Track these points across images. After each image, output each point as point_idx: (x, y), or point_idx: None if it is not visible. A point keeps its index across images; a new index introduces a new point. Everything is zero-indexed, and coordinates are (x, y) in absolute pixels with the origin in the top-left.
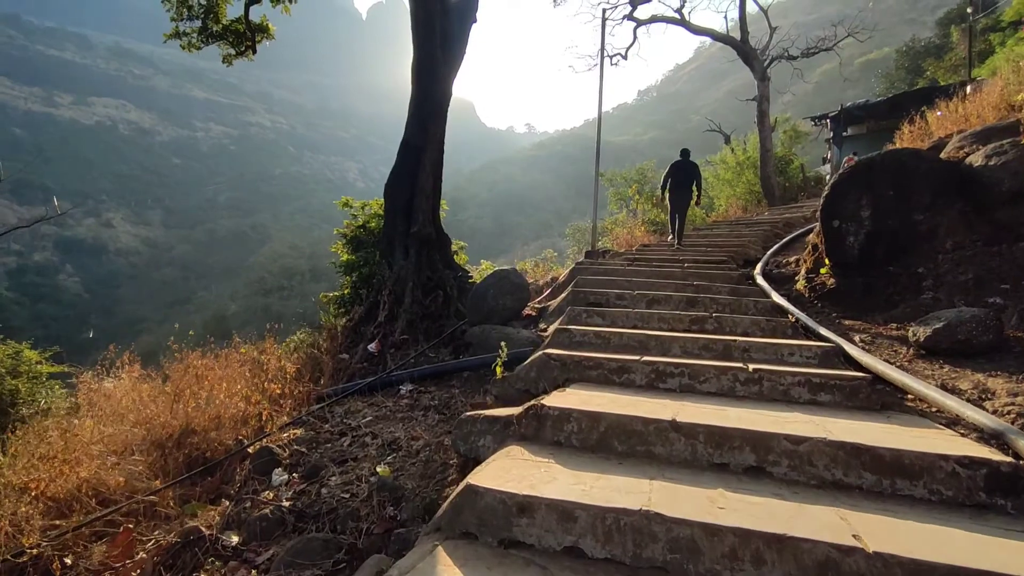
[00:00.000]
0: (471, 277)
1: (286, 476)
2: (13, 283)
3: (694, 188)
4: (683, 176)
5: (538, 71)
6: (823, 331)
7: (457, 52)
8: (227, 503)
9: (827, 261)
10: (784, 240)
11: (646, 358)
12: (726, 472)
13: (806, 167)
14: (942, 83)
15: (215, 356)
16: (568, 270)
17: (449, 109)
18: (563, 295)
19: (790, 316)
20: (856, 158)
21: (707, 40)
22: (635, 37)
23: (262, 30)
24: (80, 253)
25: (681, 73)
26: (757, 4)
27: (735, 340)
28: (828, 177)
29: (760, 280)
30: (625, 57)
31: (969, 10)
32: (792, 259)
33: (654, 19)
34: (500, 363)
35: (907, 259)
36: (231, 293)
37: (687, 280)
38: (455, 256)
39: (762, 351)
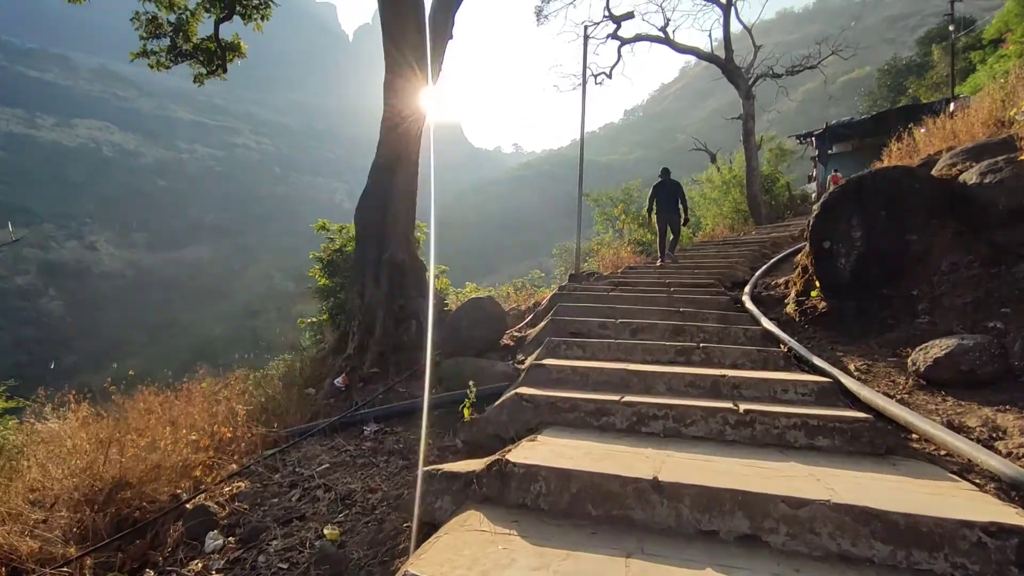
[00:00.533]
0: (447, 305)
1: (221, 540)
2: None
3: (680, 207)
4: (667, 196)
5: (525, 91)
6: (817, 362)
7: (433, 69)
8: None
9: (817, 284)
10: (772, 261)
11: (627, 398)
12: (716, 542)
13: (792, 185)
14: (924, 101)
15: (174, 392)
16: (550, 295)
17: (436, 129)
18: (543, 324)
19: (782, 346)
20: (839, 175)
21: (692, 59)
22: (619, 56)
23: (233, 49)
24: (63, 276)
25: (667, 92)
26: (741, 23)
27: (724, 375)
28: (813, 195)
29: (749, 304)
30: (610, 76)
31: (951, 27)
32: (781, 280)
33: (638, 38)
34: (468, 404)
35: (901, 282)
36: (216, 315)
37: (673, 306)
38: (437, 280)
39: (753, 388)
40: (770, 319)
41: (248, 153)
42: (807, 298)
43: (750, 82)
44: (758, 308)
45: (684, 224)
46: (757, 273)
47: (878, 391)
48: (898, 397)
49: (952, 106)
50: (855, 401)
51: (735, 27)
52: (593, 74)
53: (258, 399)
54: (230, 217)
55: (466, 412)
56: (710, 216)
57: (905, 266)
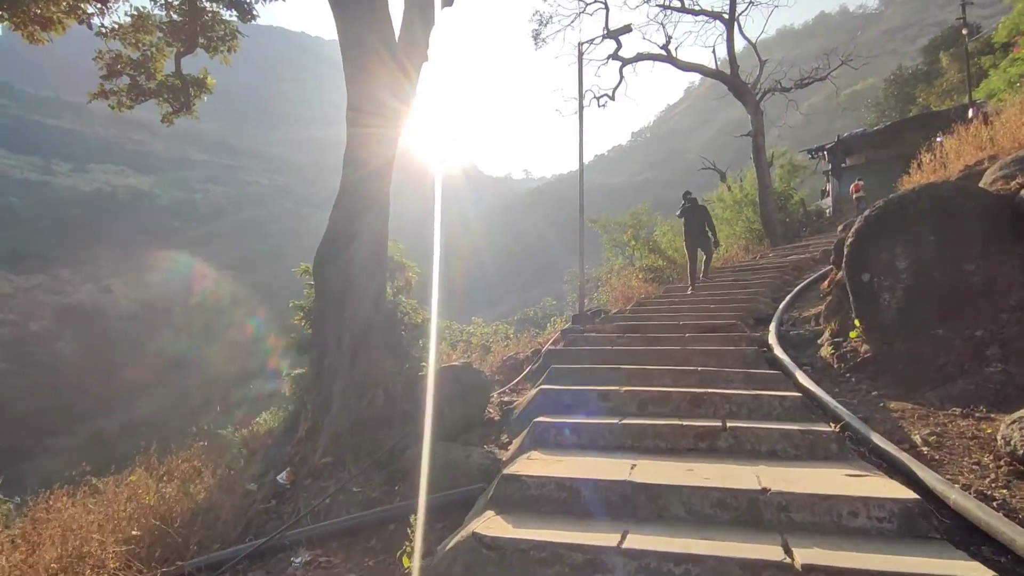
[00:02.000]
0: (423, 368)
1: None
2: (9, 353)
3: (707, 229)
4: (695, 222)
5: (533, 115)
6: (893, 451)
7: (404, 95)
8: None
9: (857, 323)
10: (796, 289)
11: (629, 540)
12: None
13: (806, 201)
14: (935, 108)
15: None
16: (551, 340)
17: (441, 158)
18: (533, 393)
19: (832, 424)
20: (862, 183)
21: (696, 79)
22: (621, 76)
23: (199, 84)
24: (78, 320)
25: (673, 113)
26: (745, 38)
27: (765, 487)
28: (828, 211)
29: (779, 353)
30: (612, 98)
31: (964, 31)
32: (811, 313)
33: (639, 57)
34: (407, 552)
35: (960, 320)
36: (229, 355)
37: (690, 361)
38: (426, 323)
39: (808, 509)
40: (801, 365)
41: (260, 190)
42: (845, 340)
43: (758, 97)
44: (788, 352)
45: (716, 246)
46: (781, 306)
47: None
48: (994, 498)
49: (971, 112)
50: (961, 520)
51: (739, 43)
52: (596, 96)
53: (187, 502)
54: (242, 254)
55: (405, 560)
56: (723, 237)
57: (963, 301)
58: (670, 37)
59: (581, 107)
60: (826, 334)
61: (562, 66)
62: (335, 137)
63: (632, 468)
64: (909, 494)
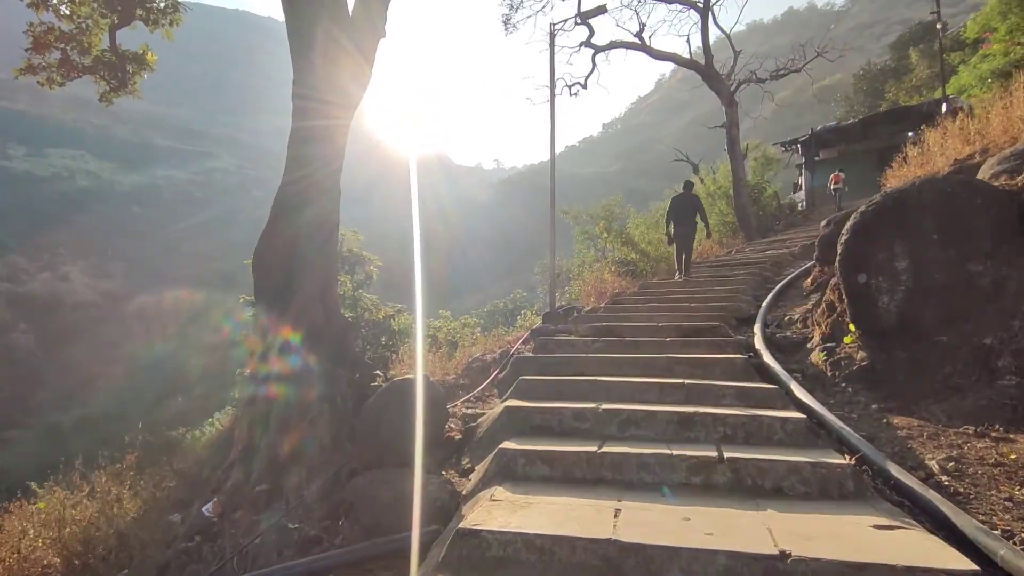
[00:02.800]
0: (377, 377)
1: None
2: None
3: (698, 220)
4: (684, 209)
5: (503, 104)
6: (916, 488)
7: (357, 75)
8: None
9: (852, 328)
10: (778, 287)
11: None
12: None
13: (780, 194)
14: (904, 104)
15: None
16: (515, 346)
17: (411, 146)
18: (499, 410)
19: (847, 455)
20: (842, 175)
21: (667, 72)
22: (594, 65)
23: (138, 61)
24: (35, 309)
25: (643, 105)
26: (719, 28)
27: (776, 538)
28: (802, 204)
29: (769, 360)
30: (585, 86)
31: (939, 25)
32: (796, 314)
33: (613, 45)
34: None
35: (966, 326)
36: (194, 345)
37: (674, 372)
38: (391, 321)
39: None
40: (792, 372)
41: (227, 177)
42: (838, 345)
43: (732, 88)
44: (776, 356)
45: (707, 237)
46: (764, 305)
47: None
48: None
49: (944, 107)
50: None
51: (712, 34)
52: (567, 84)
53: (107, 528)
54: (208, 242)
55: None
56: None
57: (970, 305)
58: (644, 25)
59: (552, 90)
60: (816, 338)
61: (533, 53)
62: None
63: (616, 517)
64: (965, 563)
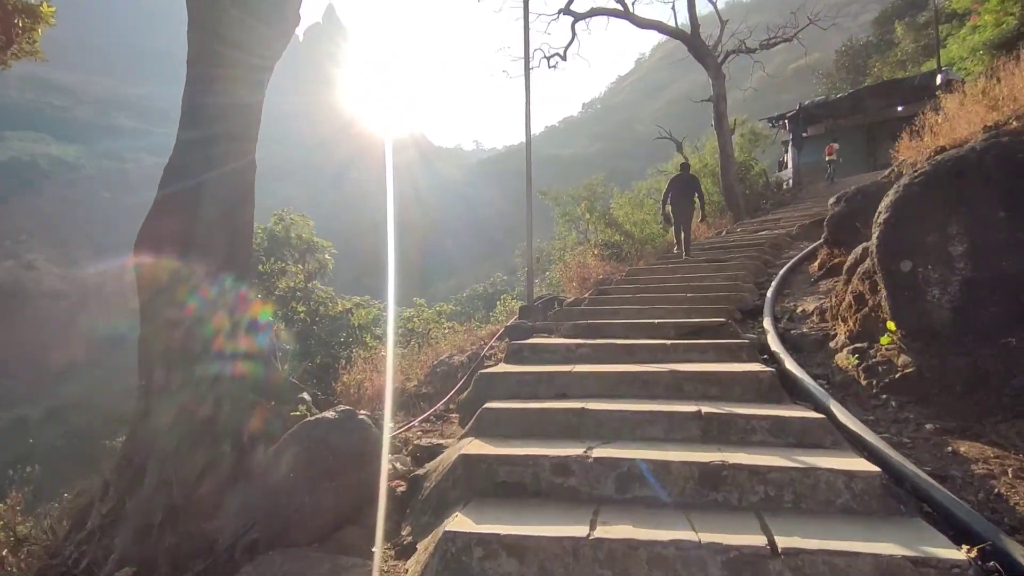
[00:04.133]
0: (302, 407)
1: None
2: None
3: (696, 200)
4: (682, 189)
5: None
6: None
7: (271, 29)
8: None
9: (892, 327)
10: (781, 272)
11: None
12: None
13: (767, 172)
14: (887, 79)
15: None
16: (485, 355)
17: (390, 125)
18: (453, 459)
19: (966, 547)
20: (836, 146)
21: (646, 51)
22: (574, 34)
23: (29, 13)
24: None
25: (623, 84)
26: None
27: None
28: (789, 182)
29: (793, 368)
30: (564, 58)
31: None
32: (809, 305)
33: (594, 12)
34: None
35: None
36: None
37: (683, 391)
38: (351, 315)
39: None
40: (815, 378)
41: None
42: (872, 346)
43: (719, 59)
44: (794, 357)
45: (702, 220)
46: (770, 294)
47: None
48: None
49: (939, 78)
50: None
51: (699, 6)
52: (545, 56)
53: None
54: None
55: None
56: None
57: None
58: None
59: (527, 56)
60: (841, 336)
61: (508, 22)
62: (280, 107)
63: None
64: None
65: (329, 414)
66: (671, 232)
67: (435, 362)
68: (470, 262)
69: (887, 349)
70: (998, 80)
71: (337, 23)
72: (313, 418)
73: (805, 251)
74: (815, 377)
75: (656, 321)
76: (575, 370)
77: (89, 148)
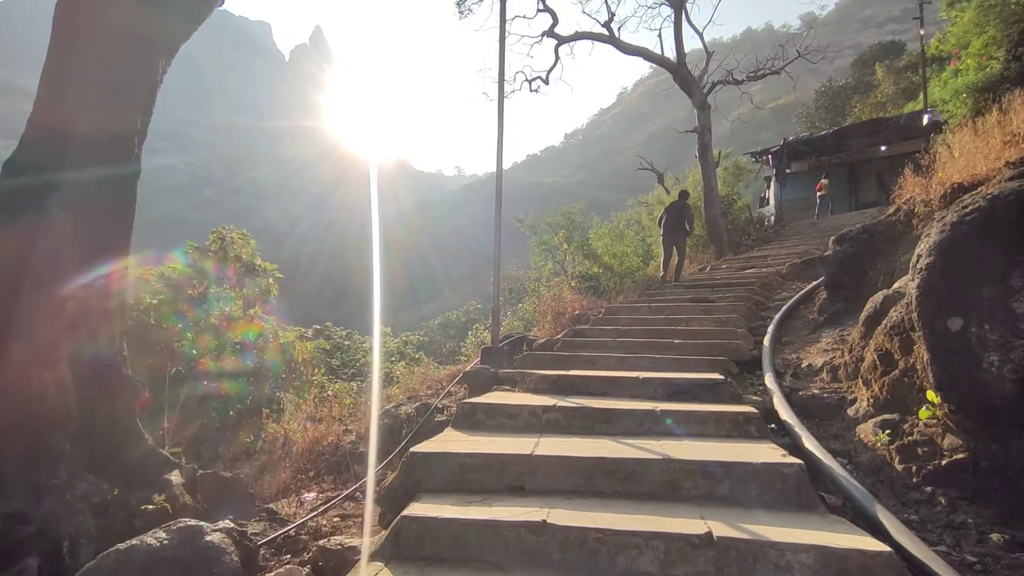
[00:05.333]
0: (166, 487)
1: None
2: None
3: (687, 226)
4: (675, 216)
5: (467, 112)
6: None
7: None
8: None
9: (935, 398)
10: (777, 317)
11: None
12: None
13: (750, 207)
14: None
15: None
16: (433, 411)
17: (372, 149)
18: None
19: None
20: (826, 182)
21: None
22: (557, 57)
23: None
24: None
25: (605, 117)
26: (692, 26)
27: None
28: (771, 219)
29: (815, 450)
30: (546, 81)
31: (922, 32)
32: (816, 358)
33: (578, 36)
34: None
35: None
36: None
37: (679, 489)
38: (292, 349)
39: None
40: (833, 454)
41: (174, 174)
42: (907, 419)
43: (705, 90)
44: (802, 422)
45: (683, 243)
46: (767, 343)
47: None
48: None
49: (926, 118)
50: None
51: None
52: (528, 79)
53: None
54: (151, 241)
55: None
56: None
57: None
58: (613, 15)
59: (502, 70)
60: (862, 402)
61: (490, 42)
62: (264, 125)
63: None
64: None
65: (151, 539)
66: (652, 266)
67: (380, 411)
68: (450, 286)
69: (927, 425)
70: (1008, 115)
71: (324, 46)
72: (125, 546)
73: (801, 293)
74: (833, 453)
75: (641, 376)
76: (537, 453)
77: None
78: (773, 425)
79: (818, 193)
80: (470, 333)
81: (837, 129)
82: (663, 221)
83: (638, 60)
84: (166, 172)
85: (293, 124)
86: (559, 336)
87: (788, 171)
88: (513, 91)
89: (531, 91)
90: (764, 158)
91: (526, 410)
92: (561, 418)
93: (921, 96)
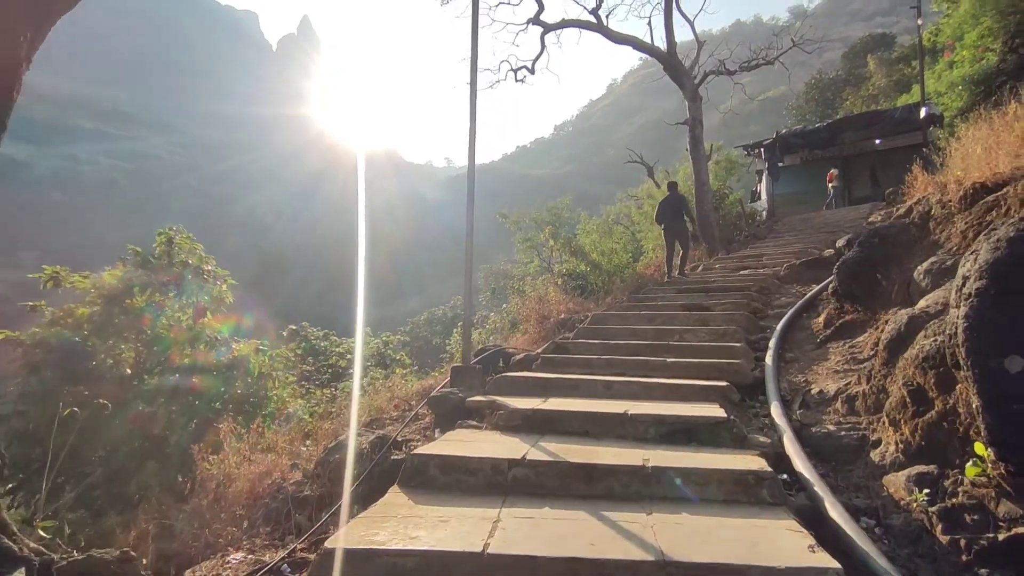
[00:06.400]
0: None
1: None
2: None
3: (686, 218)
4: (673, 210)
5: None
6: None
7: None
8: None
9: (983, 451)
10: (779, 330)
11: None
12: None
13: (742, 202)
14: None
15: None
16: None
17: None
18: None
19: None
20: (836, 172)
21: (618, 78)
22: (543, 46)
23: None
24: None
25: (595, 108)
26: (683, 15)
27: None
28: (763, 213)
29: (843, 522)
30: (532, 71)
31: (919, 21)
32: (829, 385)
33: (565, 24)
34: None
35: None
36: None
37: None
38: (241, 361)
39: None
40: (857, 515)
41: (160, 164)
42: (948, 474)
43: (696, 80)
44: (816, 468)
45: (692, 230)
46: (770, 361)
47: None
48: None
49: (923, 111)
50: None
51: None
52: (513, 68)
53: None
54: (138, 234)
55: None
56: (651, 239)
57: None
58: (601, 2)
59: (475, 56)
60: (889, 445)
61: (468, 29)
62: (250, 114)
63: None
64: None
65: None
66: (642, 262)
67: (333, 443)
68: (437, 279)
69: (975, 485)
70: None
71: (311, 35)
72: None
73: (801, 301)
74: (857, 510)
75: (629, 412)
76: (491, 551)
77: (43, 149)
78: (785, 476)
79: (830, 184)
80: (455, 330)
81: (831, 122)
82: (661, 216)
83: (628, 51)
84: (150, 161)
85: (280, 113)
86: (539, 351)
87: (780, 164)
88: (498, 81)
89: (517, 81)
90: (756, 151)
91: (489, 464)
92: (531, 475)
93: (915, 88)
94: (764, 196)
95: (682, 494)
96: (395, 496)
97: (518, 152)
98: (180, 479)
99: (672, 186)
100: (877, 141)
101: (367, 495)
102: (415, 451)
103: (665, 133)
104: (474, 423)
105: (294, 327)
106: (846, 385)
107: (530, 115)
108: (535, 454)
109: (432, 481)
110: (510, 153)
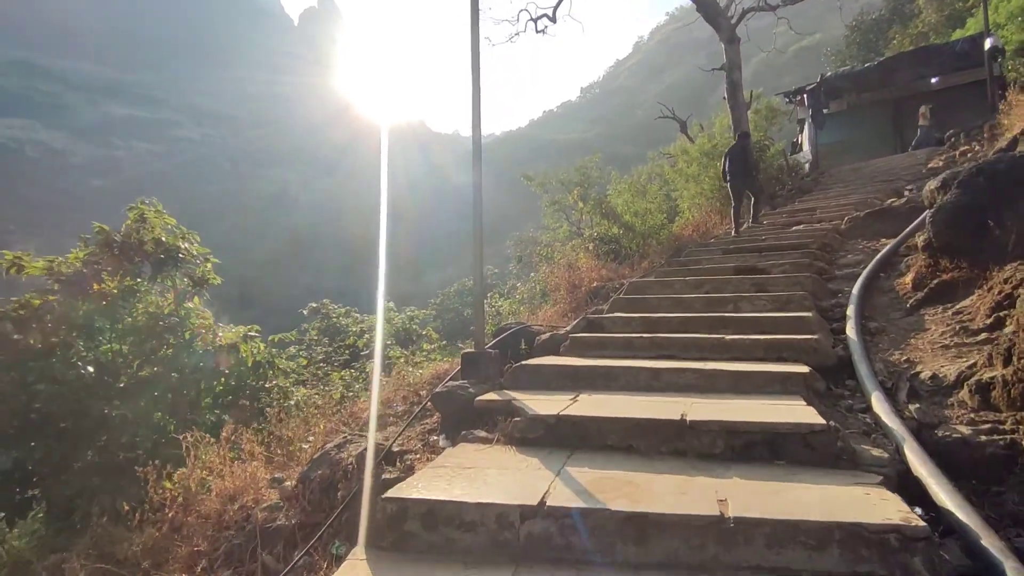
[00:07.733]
0: None
1: None
2: None
3: (754, 165)
4: (738, 159)
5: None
6: None
7: None
8: None
9: None
10: (856, 293)
11: None
12: None
13: (784, 153)
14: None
15: None
16: (376, 468)
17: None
18: None
19: None
20: (928, 109)
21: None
22: None
23: None
24: None
25: (622, 69)
26: None
27: None
28: (807, 165)
29: None
30: (554, 19)
31: None
32: (945, 367)
33: None
34: None
35: None
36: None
37: None
38: (223, 351)
39: None
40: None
41: (193, 147)
42: None
43: (733, 20)
44: (959, 499)
45: (755, 184)
46: (853, 334)
47: None
48: None
49: (988, 42)
50: None
51: None
52: (532, 17)
53: None
54: (174, 215)
55: None
56: (687, 197)
57: None
58: None
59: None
60: None
61: None
62: (275, 91)
63: None
64: None
65: None
66: (678, 223)
67: (318, 454)
68: (464, 251)
69: None
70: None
71: (332, 6)
72: None
73: (876, 258)
74: None
75: (688, 417)
76: None
77: (78, 135)
78: (919, 511)
79: (920, 123)
80: (488, 299)
81: (882, 60)
82: (725, 168)
83: (655, 5)
84: (184, 144)
85: (303, 86)
86: (567, 331)
87: (825, 111)
88: (518, 33)
89: (538, 32)
90: (798, 98)
91: (492, 515)
92: (554, 533)
93: (970, 23)
94: (807, 146)
95: (784, 563)
96: (351, 570)
97: (544, 117)
98: (125, 506)
99: (742, 136)
100: (934, 80)
101: (351, 524)
102: (388, 496)
103: (696, 90)
104: (483, 433)
105: (315, 304)
106: (970, 368)
107: (556, 78)
108: (559, 494)
109: (410, 542)
110: (536, 119)
